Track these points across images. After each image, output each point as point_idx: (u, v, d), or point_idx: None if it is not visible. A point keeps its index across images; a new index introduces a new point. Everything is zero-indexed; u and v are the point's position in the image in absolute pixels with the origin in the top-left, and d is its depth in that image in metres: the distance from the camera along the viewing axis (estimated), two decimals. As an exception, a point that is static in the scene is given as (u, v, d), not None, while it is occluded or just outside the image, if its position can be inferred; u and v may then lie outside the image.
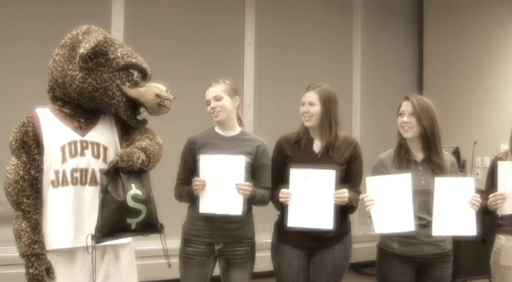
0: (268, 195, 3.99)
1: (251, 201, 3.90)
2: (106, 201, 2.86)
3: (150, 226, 2.96)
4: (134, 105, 3.14)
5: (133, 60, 3.13)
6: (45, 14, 6.15)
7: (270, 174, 4.02)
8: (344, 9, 8.37)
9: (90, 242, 2.88)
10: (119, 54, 3.07)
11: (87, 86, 3.01)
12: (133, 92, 3.08)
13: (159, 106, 3.11)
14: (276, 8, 7.75)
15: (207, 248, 3.91)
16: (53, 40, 3.23)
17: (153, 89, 3.12)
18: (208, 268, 3.96)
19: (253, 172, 3.97)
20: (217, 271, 4.04)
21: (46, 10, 6.19)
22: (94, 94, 3.04)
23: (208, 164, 3.78)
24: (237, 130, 4.04)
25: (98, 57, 3.01)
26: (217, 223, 3.84)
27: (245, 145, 3.96)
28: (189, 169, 3.94)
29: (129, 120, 3.16)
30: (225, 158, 3.76)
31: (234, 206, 3.74)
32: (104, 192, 2.87)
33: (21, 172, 3.00)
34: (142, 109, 3.18)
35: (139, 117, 3.19)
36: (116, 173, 2.91)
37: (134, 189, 2.89)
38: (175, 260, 3.85)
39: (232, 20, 7.46)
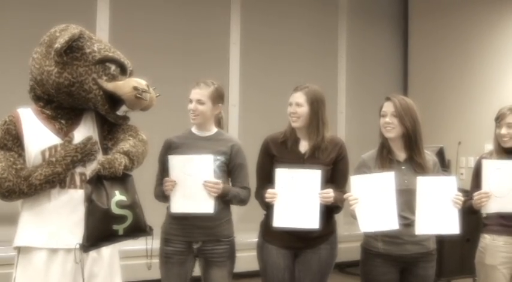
0: (246, 195, 4.02)
1: (225, 200, 3.92)
2: (91, 210, 2.84)
3: (138, 230, 2.95)
4: (113, 100, 3.10)
5: (110, 54, 3.09)
6: (29, 14, 6.10)
7: (246, 173, 4.05)
8: (329, 9, 8.39)
9: (78, 251, 2.88)
10: (95, 49, 3.05)
11: (63, 81, 2.98)
12: (109, 86, 3.04)
13: (137, 99, 3.06)
14: (262, 7, 7.75)
15: (185, 247, 3.93)
16: (37, 40, 3.21)
17: (130, 82, 3.08)
18: (188, 267, 3.98)
19: (229, 172, 3.99)
20: (198, 271, 4.05)
21: (30, 10, 6.14)
22: (71, 89, 3.00)
23: (177, 164, 3.80)
24: (213, 131, 4.06)
25: (73, 52, 2.99)
26: (195, 222, 3.86)
27: (219, 145, 3.98)
28: (165, 170, 3.94)
29: (108, 115, 3.12)
30: (192, 158, 3.79)
31: (204, 205, 3.77)
32: (88, 201, 2.85)
33: (11, 159, 2.95)
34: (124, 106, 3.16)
35: (119, 113, 3.16)
36: (99, 181, 2.90)
37: (118, 196, 2.89)
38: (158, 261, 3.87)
39: (218, 19, 7.45)
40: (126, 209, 2.89)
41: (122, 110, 3.16)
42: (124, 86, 3.06)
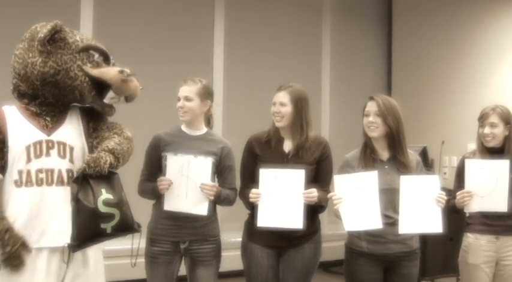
0: (234, 196, 4.03)
1: (216, 201, 3.92)
2: (78, 209, 2.85)
3: (126, 228, 2.96)
4: (99, 87, 3.10)
5: (93, 43, 3.12)
6: (12, 12, 6.06)
7: (234, 175, 4.06)
8: (313, 9, 8.39)
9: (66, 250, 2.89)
10: (77, 38, 3.07)
11: (48, 70, 2.97)
12: (95, 71, 3.05)
13: (123, 82, 3.06)
14: (246, 7, 7.74)
15: (172, 247, 3.92)
16: (20, 38, 3.19)
17: (115, 68, 3.09)
18: (175, 267, 3.97)
19: (218, 173, 3.99)
20: (183, 271, 4.05)
21: (13, 8, 6.11)
22: (56, 78, 2.99)
23: (175, 164, 3.79)
24: (203, 130, 4.05)
25: (56, 42, 2.99)
26: (182, 222, 3.85)
27: (210, 145, 3.97)
28: (153, 166, 3.95)
29: (95, 103, 3.12)
30: (192, 159, 3.78)
31: (199, 207, 3.77)
32: (75, 200, 2.85)
33: None
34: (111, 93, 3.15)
35: (105, 100, 3.15)
36: (85, 180, 2.90)
37: (105, 194, 2.89)
38: (143, 260, 3.85)
39: (202, 17, 7.44)
40: (113, 207, 2.89)
41: (108, 97, 3.14)
42: (109, 70, 3.08)
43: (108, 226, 2.88)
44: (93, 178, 2.90)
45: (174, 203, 3.78)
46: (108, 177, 2.95)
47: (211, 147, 3.96)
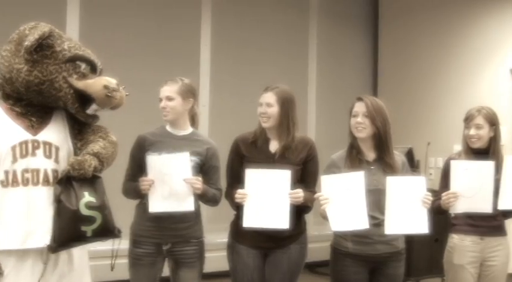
0: (219, 196, 4.04)
1: (203, 199, 3.94)
2: (59, 211, 2.86)
3: (106, 232, 2.96)
4: (84, 99, 3.09)
5: (80, 53, 3.09)
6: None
7: (219, 175, 4.07)
8: (300, 10, 8.39)
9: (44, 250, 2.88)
10: (65, 47, 3.03)
11: (33, 79, 2.95)
12: (80, 84, 3.04)
13: (107, 97, 3.05)
14: (232, 8, 7.74)
15: (155, 249, 3.92)
16: (6, 39, 3.17)
17: (101, 81, 3.07)
18: (158, 268, 3.98)
19: (203, 173, 3.98)
20: (166, 272, 4.05)
21: (-1, 9, 6.09)
22: (41, 87, 2.98)
23: (155, 163, 3.79)
24: (188, 130, 4.06)
25: (43, 50, 2.96)
26: (165, 223, 3.85)
27: (195, 145, 3.97)
28: (137, 166, 3.94)
29: (78, 114, 3.11)
30: (169, 157, 3.79)
31: (184, 203, 3.78)
32: (57, 201, 2.86)
33: None
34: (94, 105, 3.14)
35: (89, 111, 3.14)
36: (69, 182, 2.90)
37: (87, 197, 2.89)
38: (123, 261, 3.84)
39: (189, 21, 7.42)
40: (94, 211, 2.90)
41: (92, 109, 3.14)
42: (94, 84, 3.06)
43: (88, 229, 2.89)
44: (77, 181, 2.91)
45: (159, 204, 3.78)
46: (91, 181, 2.96)
47: (197, 148, 3.96)
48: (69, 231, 2.86)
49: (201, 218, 4.08)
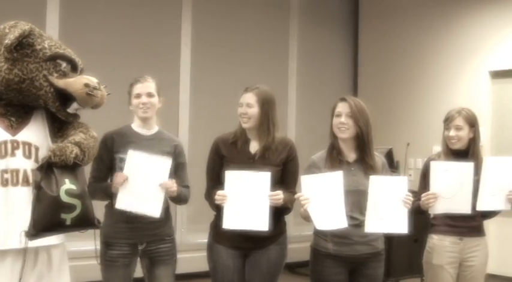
0: (188, 194, 4.08)
1: (175, 200, 3.96)
2: (39, 197, 2.84)
3: (86, 221, 2.95)
4: (64, 97, 3.08)
5: (61, 51, 3.08)
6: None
7: (187, 172, 4.10)
8: (280, 10, 8.41)
9: (23, 239, 2.84)
10: (46, 45, 3.03)
11: (13, 78, 2.95)
12: (60, 82, 3.03)
13: (88, 96, 3.04)
14: (213, 8, 7.74)
15: (130, 249, 3.91)
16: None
17: (82, 79, 3.07)
18: (131, 269, 3.97)
19: (173, 171, 3.97)
20: (138, 272, 4.05)
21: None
22: (21, 86, 2.97)
23: (135, 160, 3.76)
24: (155, 129, 4.06)
25: (23, 48, 2.96)
26: (139, 223, 3.84)
27: (163, 145, 3.99)
28: (104, 167, 3.92)
29: (59, 113, 3.10)
30: (153, 158, 3.77)
31: (152, 208, 3.75)
32: (37, 188, 2.84)
33: None
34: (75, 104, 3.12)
35: (69, 110, 3.13)
36: (50, 169, 2.88)
37: (68, 184, 2.88)
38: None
39: (169, 20, 7.42)
40: (75, 198, 2.89)
41: (72, 108, 3.13)
42: (75, 83, 3.05)
43: (68, 217, 2.87)
44: (58, 167, 2.89)
45: (126, 201, 3.73)
46: (72, 168, 2.95)
47: (165, 147, 3.98)
48: (49, 217, 2.84)
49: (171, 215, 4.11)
